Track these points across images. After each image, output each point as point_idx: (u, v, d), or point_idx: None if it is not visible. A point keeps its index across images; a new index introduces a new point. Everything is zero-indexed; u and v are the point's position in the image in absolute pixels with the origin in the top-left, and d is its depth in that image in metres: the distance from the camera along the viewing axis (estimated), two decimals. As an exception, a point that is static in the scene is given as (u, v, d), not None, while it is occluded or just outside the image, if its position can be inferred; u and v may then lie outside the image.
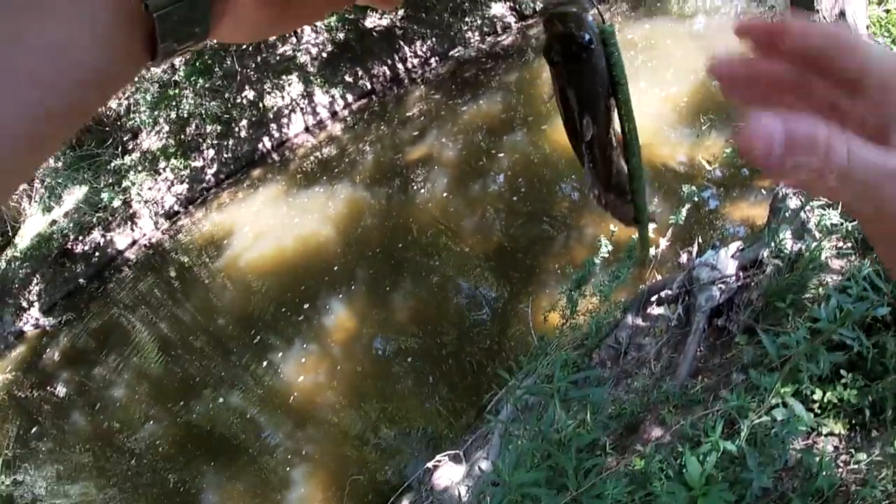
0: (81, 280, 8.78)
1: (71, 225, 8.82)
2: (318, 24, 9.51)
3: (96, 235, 8.98)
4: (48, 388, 7.25)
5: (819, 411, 2.08)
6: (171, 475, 5.17)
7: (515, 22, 11.12)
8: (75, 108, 0.24)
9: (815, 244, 2.65)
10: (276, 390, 5.51)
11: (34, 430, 6.62)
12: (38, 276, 8.69)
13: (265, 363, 5.77)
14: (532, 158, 7.05)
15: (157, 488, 5.14)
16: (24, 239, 9.05)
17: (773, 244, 2.93)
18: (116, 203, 9.00)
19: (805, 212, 2.85)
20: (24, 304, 8.58)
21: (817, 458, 1.92)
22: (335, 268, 6.50)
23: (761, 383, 2.13)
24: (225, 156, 9.72)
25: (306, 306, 6.17)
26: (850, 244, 2.63)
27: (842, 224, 2.58)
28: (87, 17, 0.23)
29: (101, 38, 0.24)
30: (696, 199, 3.96)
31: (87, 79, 0.24)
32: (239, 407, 5.54)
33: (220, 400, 5.67)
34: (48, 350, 7.91)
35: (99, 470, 5.64)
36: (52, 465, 5.95)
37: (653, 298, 3.92)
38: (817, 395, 2.04)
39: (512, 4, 11.24)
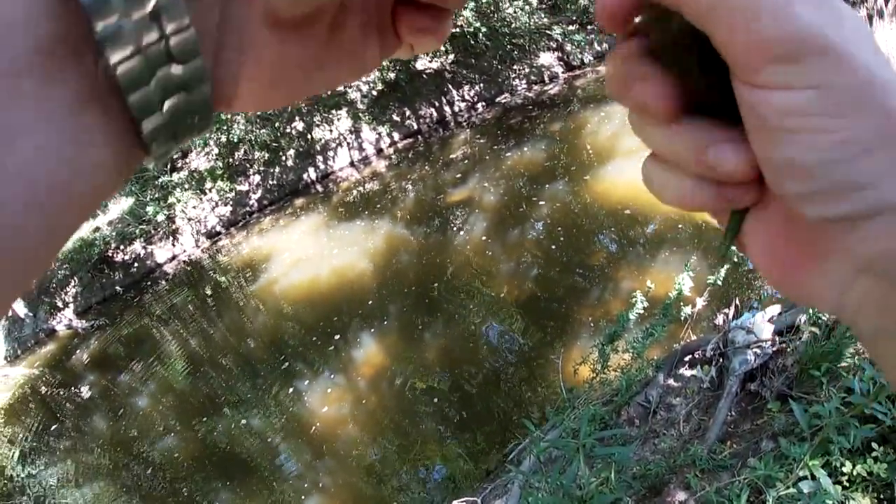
0: (118, 288, 9.01)
1: (114, 234, 9.09)
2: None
3: (137, 246, 9.23)
4: (73, 388, 7.39)
5: (847, 484, 2.02)
6: (185, 489, 5.20)
7: (563, 72, 11.25)
8: (56, 228, 0.21)
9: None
10: (299, 418, 5.52)
11: (54, 427, 6.73)
12: (76, 278, 8.95)
13: (291, 390, 5.79)
14: (572, 208, 7.06)
15: (170, 501, 5.16)
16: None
17: (810, 310, 2.88)
18: (160, 217, 9.26)
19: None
20: (60, 304, 8.83)
21: (845, 536, 1.86)
22: (370, 301, 6.54)
23: (791, 453, 2.07)
24: (270, 182, 9.94)
25: (337, 337, 6.21)
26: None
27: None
28: (60, 133, 0.20)
29: (80, 153, 0.21)
30: (735, 259, 3.91)
31: (66, 201, 0.21)
32: (260, 430, 5.56)
33: (243, 421, 5.70)
34: (78, 351, 8.08)
35: (113, 475, 5.69)
36: (67, 463, 6.02)
37: (686, 358, 3.85)
38: (847, 467, 1.98)
39: (560, 55, 11.38)
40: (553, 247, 6.58)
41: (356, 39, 0.30)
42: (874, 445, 1.97)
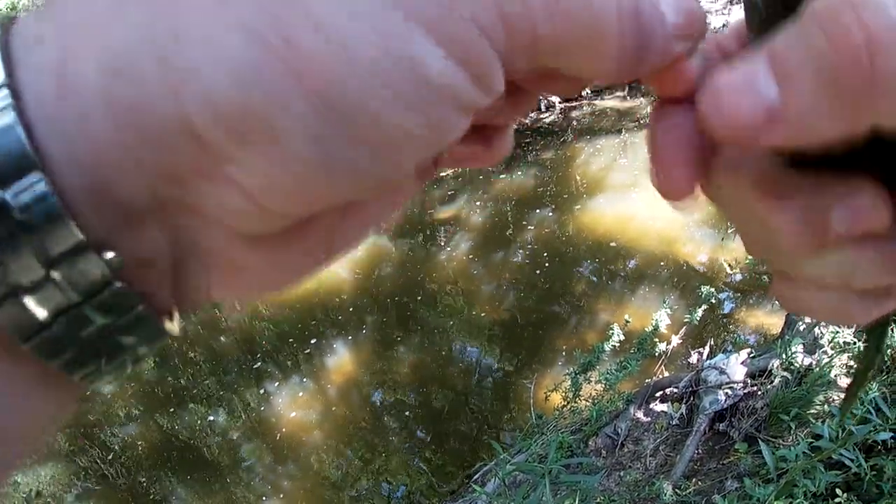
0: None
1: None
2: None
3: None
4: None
5: (810, 529, 2.04)
6: (142, 479, 5.13)
7: (560, 102, 11.36)
8: None
9: (825, 360, 2.63)
10: (266, 420, 5.46)
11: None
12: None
13: (261, 391, 5.74)
14: (558, 236, 7.10)
15: (126, 487, 5.08)
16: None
17: (784, 356, 2.91)
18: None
19: (819, 327, 2.85)
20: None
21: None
22: (350, 309, 6.52)
23: (755, 493, 2.09)
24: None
25: (313, 341, 6.17)
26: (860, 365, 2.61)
27: (854, 343, 2.57)
28: None
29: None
30: (713, 300, 3.95)
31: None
32: (224, 428, 5.50)
33: (209, 417, 5.63)
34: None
35: (70, 457, 5.58)
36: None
37: (657, 394, 3.87)
38: (811, 512, 2.01)
39: (559, 86, 11.48)
40: (536, 272, 6.61)
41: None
42: (838, 492, 1.99)
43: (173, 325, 0.20)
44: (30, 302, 0.16)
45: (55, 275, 0.16)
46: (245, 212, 0.18)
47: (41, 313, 0.16)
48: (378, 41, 0.16)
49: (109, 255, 0.17)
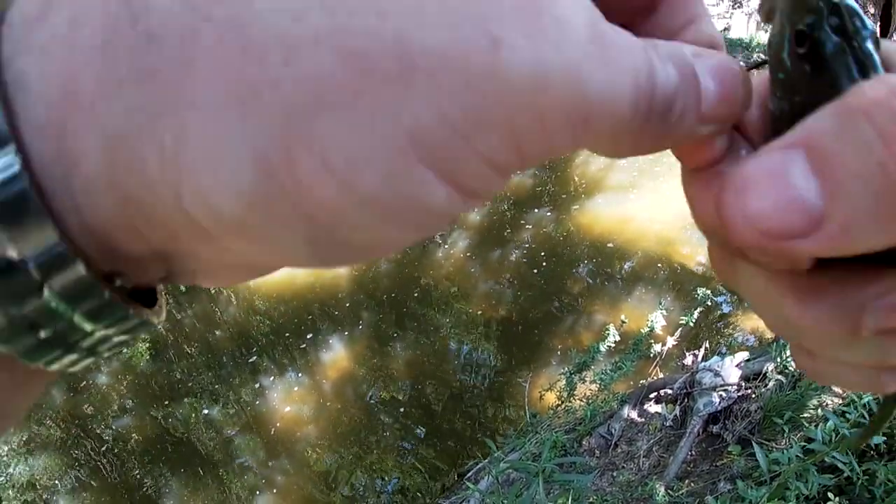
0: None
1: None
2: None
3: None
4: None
5: (801, 532, 2.05)
6: (135, 471, 5.12)
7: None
8: None
9: (821, 365, 2.64)
10: (261, 415, 5.46)
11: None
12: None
13: (256, 385, 5.74)
14: (555, 236, 7.11)
15: (119, 479, 5.08)
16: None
17: (778, 359, 2.92)
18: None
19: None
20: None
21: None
22: (346, 305, 6.51)
23: (748, 496, 2.09)
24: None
25: (308, 337, 6.17)
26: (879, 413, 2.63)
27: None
28: None
29: None
30: (709, 303, 3.96)
31: None
32: (219, 423, 5.49)
33: (204, 411, 5.62)
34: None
35: (64, 448, 5.58)
36: (17, 433, 5.88)
37: (652, 395, 3.88)
38: (802, 515, 2.01)
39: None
40: (533, 271, 6.62)
41: None
42: (830, 495, 2.00)
43: (159, 314, 0.20)
44: (42, 333, 0.17)
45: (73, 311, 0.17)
46: (235, 263, 0.19)
47: (46, 335, 0.17)
48: (386, 183, 0.16)
49: (117, 282, 0.18)
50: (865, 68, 0.19)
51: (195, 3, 0.15)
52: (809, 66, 0.20)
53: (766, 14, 0.23)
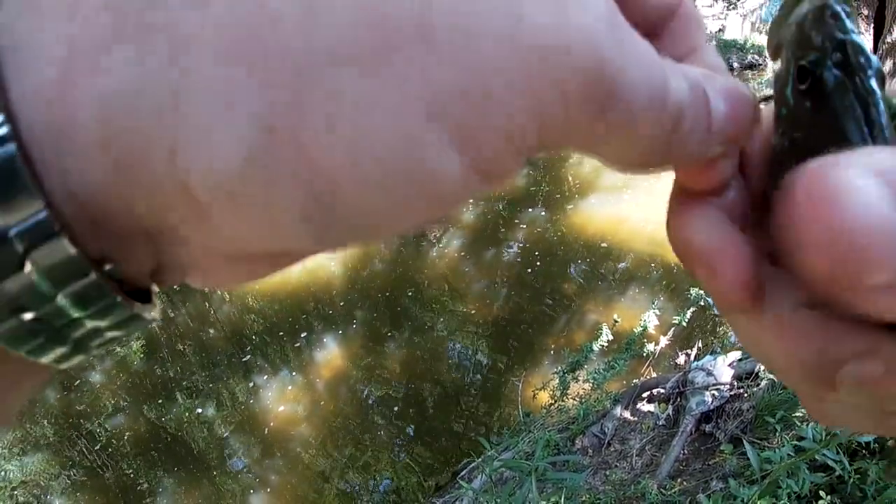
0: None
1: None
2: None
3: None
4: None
5: (793, 529, 2.06)
6: (129, 470, 5.10)
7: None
8: None
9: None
10: (255, 414, 5.45)
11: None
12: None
13: (250, 384, 5.73)
14: (549, 236, 7.12)
15: (112, 478, 5.06)
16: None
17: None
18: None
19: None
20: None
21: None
22: (340, 304, 6.51)
23: (739, 494, 2.11)
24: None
25: (302, 335, 6.16)
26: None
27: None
28: None
29: None
30: (701, 302, 3.97)
31: None
32: (212, 421, 5.48)
33: (197, 410, 5.61)
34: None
35: (57, 447, 5.55)
36: (10, 431, 5.86)
37: (644, 394, 3.89)
38: (793, 512, 2.03)
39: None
40: (527, 271, 6.63)
41: None
42: (822, 494, 2.01)
43: (152, 310, 0.19)
44: (27, 315, 0.16)
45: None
46: (225, 247, 0.18)
47: (34, 323, 0.16)
48: (395, 150, 0.15)
49: (107, 266, 0.17)
50: (868, 106, 0.19)
51: None
52: (811, 102, 0.20)
53: (774, 51, 0.23)
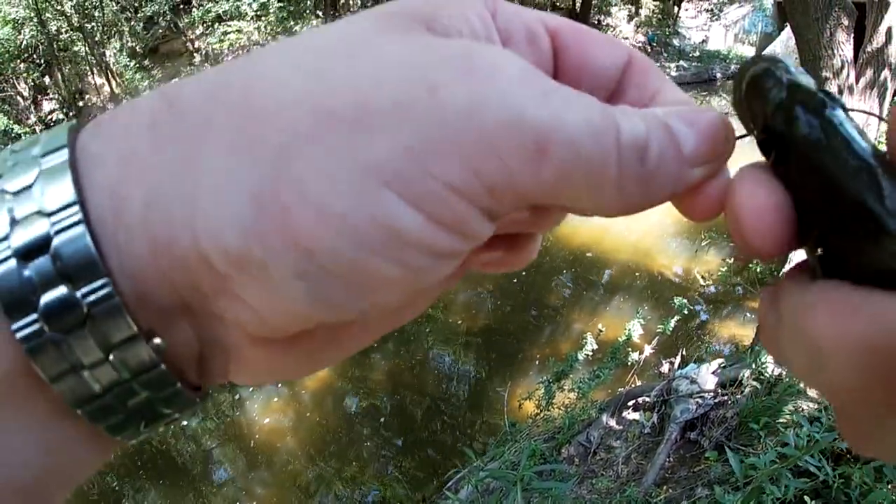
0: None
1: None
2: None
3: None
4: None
5: (778, 534, 2.07)
6: (114, 482, 5.02)
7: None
8: None
9: (795, 372, 2.68)
10: (240, 426, 5.40)
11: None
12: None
13: (235, 396, 5.68)
14: (533, 246, 7.12)
15: (96, 491, 4.98)
16: None
17: (754, 366, 2.96)
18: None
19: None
20: None
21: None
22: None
23: (724, 500, 2.12)
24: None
25: (286, 349, 6.12)
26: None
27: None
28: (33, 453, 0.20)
29: (36, 445, 0.20)
30: (686, 311, 4.00)
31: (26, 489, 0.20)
32: (196, 433, 5.42)
33: (182, 422, 5.55)
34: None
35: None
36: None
37: (629, 403, 3.90)
38: (778, 518, 2.04)
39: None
40: (513, 281, 6.64)
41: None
42: (806, 499, 2.03)
43: (200, 398, 0.23)
44: (89, 377, 0.19)
45: (111, 356, 0.19)
46: (252, 321, 0.21)
47: (97, 387, 0.19)
48: (355, 207, 0.18)
49: (157, 340, 0.20)
50: (846, 145, 0.18)
51: (212, 91, 0.20)
52: (789, 166, 0.20)
53: (748, 126, 0.23)
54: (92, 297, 0.18)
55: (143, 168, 0.19)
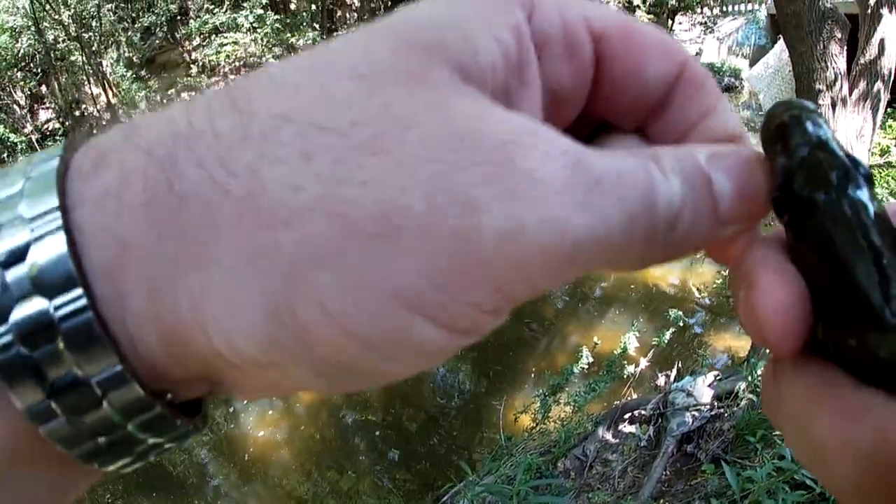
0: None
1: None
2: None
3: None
4: None
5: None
6: (107, 494, 4.99)
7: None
8: None
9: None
10: (234, 439, 5.37)
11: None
12: None
13: (229, 408, 5.65)
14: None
15: (88, 503, 4.94)
16: None
17: (750, 378, 2.96)
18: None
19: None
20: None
21: None
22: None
23: (721, 514, 2.12)
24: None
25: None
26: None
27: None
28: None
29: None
30: (681, 323, 4.00)
31: None
32: (191, 446, 5.39)
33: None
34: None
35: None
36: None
37: (626, 416, 3.89)
38: (775, 532, 2.03)
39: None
40: (507, 294, 6.61)
41: None
42: (802, 512, 2.03)
43: (198, 427, 0.23)
44: (103, 440, 0.19)
45: (130, 427, 0.19)
46: (266, 387, 0.21)
47: (109, 444, 0.20)
48: (379, 328, 0.17)
49: (168, 396, 0.20)
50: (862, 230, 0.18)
51: (216, 178, 0.18)
52: (792, 232, 0.20)
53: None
54: (104, 378, 0.18)
55: (143, 258, 0.18)
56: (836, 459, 0.17)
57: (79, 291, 0.18)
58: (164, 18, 12.11)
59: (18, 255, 0.18)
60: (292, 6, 13.41)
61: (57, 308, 0.17)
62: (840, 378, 0.18)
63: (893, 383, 0.16)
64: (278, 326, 0.18)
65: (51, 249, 0.18)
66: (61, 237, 0.18)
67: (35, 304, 0.17)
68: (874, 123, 3.41)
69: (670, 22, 15.43)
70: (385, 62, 0.18)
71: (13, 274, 0.18)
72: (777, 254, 0.20)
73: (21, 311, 0.17)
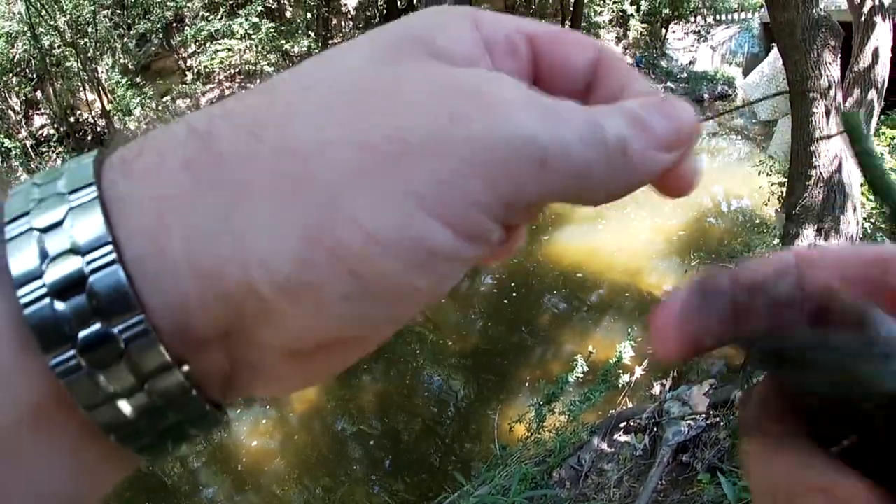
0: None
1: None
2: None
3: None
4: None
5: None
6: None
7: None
8: None
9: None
10: (227, 448, 5.35)
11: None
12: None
13: (223, 417, 5.63)
14: (526, 266, 7.15)
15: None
16: None
17: (745, 386, 2.95)
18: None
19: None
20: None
21: None
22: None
23: (717, 525, 2.10)
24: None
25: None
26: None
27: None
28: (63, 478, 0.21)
29: (83, 488, 0.22)
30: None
31: None
32: (184, 454, 5.36)
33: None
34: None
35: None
36: None
37: (621, 425, 3.89)
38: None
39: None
40: (503, 302, 6.64)
41: None
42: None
43: (223, 416, 0.24)
44: (123, 405, 0.20)
45: (146, 385, 0.20)
46: (287, 340, 0.22)
47: (130, 413, 0.21)
48: (404, 233, 0.20)
49: (185, 367, 0.21)
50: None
51: (251, 133, 0.21)
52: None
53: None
54: (128, 334, 0.20)
55: (183, 210, 0.20)
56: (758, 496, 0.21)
57: (109, 248, 0.20)
58: (159, 25, 12.14)
59: (58, 223, 0.20)
60: (288, 14, 13.44)
61: (88, 263, 0.20)
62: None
63: None
64: (315, 245, 0.20)
65: (86, 215, 0.20)
66: (96, 205, 0.20)
67: (69, 264, 0.20)
68: (869, 131, 3.42)
69: (664, 31, 15.51)
70: (383, 50, 0.23)
71: (51, 238, 0.20)
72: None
73: (56, 270, 0.19)
